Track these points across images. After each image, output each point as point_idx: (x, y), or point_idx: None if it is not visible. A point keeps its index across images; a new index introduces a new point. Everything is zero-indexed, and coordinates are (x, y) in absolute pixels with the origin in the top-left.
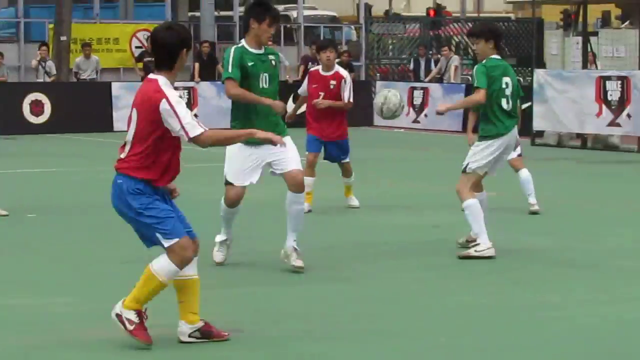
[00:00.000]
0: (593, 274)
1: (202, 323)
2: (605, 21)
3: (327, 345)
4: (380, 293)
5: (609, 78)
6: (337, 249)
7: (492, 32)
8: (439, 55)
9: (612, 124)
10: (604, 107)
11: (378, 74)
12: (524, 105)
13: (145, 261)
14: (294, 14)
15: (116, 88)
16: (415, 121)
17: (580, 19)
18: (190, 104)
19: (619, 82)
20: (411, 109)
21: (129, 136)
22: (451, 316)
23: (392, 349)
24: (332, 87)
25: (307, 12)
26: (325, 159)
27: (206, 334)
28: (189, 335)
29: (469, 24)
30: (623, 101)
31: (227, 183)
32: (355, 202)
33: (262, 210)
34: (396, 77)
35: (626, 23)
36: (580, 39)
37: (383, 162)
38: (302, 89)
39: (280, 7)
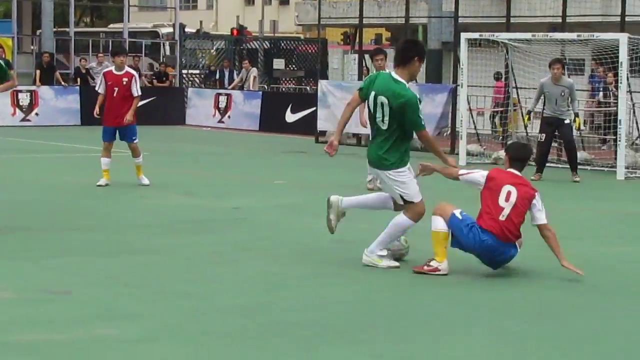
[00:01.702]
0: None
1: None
2: (378, 42)
3: (142, 304)
4: (182, 262)
5: None
6: (151, 227)
7: None
8: (241, 67)
9: None
10: None
11: (190, 82)
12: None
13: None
14: (161, 30)
15: None
16: (220, 122)
17: (357, 40)
18: (32, 105)
19: None
20: (217, 111)
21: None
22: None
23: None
24: (124, 83)
25: (170, 29)
26: (121, 139)
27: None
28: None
29: (266, 42)
30: None
31: (410, 202)
32: (145, 180)
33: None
34: (207, 85)
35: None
36: (356, 56)
37: (193, 155)
38: (102, 88)
39: (149, 25)
